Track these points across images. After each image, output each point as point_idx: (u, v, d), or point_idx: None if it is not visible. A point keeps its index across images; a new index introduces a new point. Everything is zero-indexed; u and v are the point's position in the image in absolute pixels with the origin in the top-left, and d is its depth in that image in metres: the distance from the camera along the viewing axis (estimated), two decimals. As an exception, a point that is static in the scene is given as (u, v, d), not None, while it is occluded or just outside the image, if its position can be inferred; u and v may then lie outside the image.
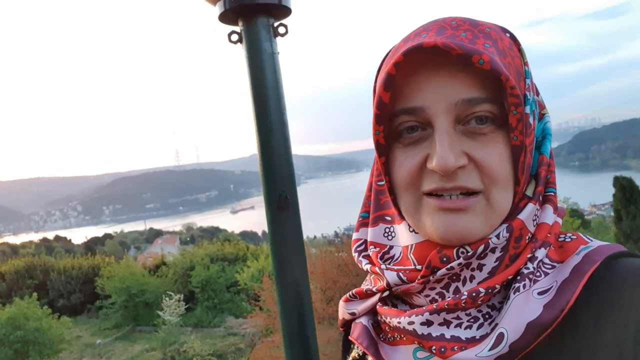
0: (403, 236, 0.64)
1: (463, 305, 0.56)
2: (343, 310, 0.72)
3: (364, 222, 0.71)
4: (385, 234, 0.67)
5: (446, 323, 0.58)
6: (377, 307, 0.65)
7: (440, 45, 0.52)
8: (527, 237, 0.58)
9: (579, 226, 33.26)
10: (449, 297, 0.59)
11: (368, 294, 0.67)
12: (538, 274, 0.57)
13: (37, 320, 14.41)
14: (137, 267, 25.21)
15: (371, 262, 0.67)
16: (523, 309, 0.54)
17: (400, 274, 0.61)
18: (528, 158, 0.58)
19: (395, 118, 0.58)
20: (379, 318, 0.65)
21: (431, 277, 0.58)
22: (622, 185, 20.24)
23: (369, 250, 0.69)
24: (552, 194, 0.62)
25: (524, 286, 0.56)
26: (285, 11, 1.18)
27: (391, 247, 0.66)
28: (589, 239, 0.61)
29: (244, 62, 1.16)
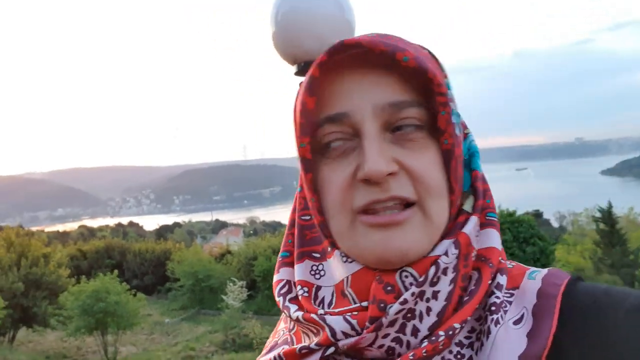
0: (336, 270, 0.56)
1: (441, 347, 0.49)
2: None
3: (284, 262, 0.63)
4: (313, 272, 0.59)
5: None
6: None
7: (363, 42, 0.50)
8: (473, 255, 0.54)
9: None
10: (407, 342, 0.51)
11: (303, 354, 0.53)
12: (504, 303, 0.53)
13: (117, 295, 15.76)
14: (204, 254, 26.78)
15: (301, 309, 0.56)
16: (509, 342, 0.50)
17: (348, 316, 0.52)
18: (460, 168, 0.55)
19: (320, 129, 0.54)
20: None
21: (384, 319, 0.50)
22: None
23: (295, 292, 0.59)
24: (495, 219, 0.57)
25: (502, 317, 0.51)
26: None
27: (319, 288, 0.58)
28: (522, 265, 0.59)
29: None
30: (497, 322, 0.50)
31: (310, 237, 0.61)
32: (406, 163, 0.52)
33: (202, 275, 22.74)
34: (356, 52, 0.52)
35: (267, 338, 0.68)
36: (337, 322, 0.52)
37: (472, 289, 0.52)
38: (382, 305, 0.51)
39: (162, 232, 61.67)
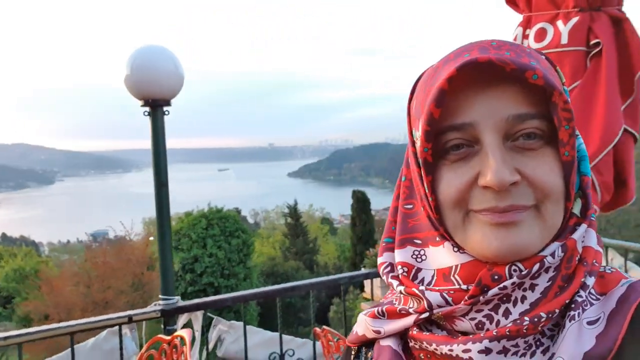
0: (443, 258, 0.60)
1: (525, 331, 0.53)
2: (365, 326, 0.66)
3: (388, 247, 0.67)
4: (414, 256, 0.63)
5: (504, 351, 0.54)
6: (413, 331, 0.60)
7: (495, 60, 0.51)
8: (576, 258, 0.57)
9: (327, 232, 38.56)
10: (497, 321, 0.55)
11: (402, 314, 0.61)
12: (586, 303, 0.56)
13: None
14: None
15: (402, 284, 0.62)
16: (578, 339, 0.53)
17: (445, 294, 0.57)
18: (574, 175, 0.56)
19: (442, 135, 0.56)
20: (411, 343, 0.61)
21: (481, 298, 0.55)
22: (358, 198, 24.92)
23: (397, 272, 0.64)
24: (594, 220, 0.60)
25: (578, 315, 0.54)
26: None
27: (419, 270, 0.62)
28: (627, 274, 0.60)
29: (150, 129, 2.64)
30: (572, 319, 0.54)
31: (413, 224, 0.64)
32: (527, 172, 0.54)
33: None
34: (482, 68, 0.53)
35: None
36: (434, 296, 0.58)
37: (565, 286, 0.56)
38: (484, 288, 0.55)
39: None
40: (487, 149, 0.54)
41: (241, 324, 3.31)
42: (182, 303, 2.99)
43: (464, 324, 0.57)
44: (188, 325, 3.05)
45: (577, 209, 0.60)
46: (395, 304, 0.64)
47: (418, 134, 0.58)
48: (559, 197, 0.56)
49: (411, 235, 0.65)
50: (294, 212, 29.55)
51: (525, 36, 2.41)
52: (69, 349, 2.80)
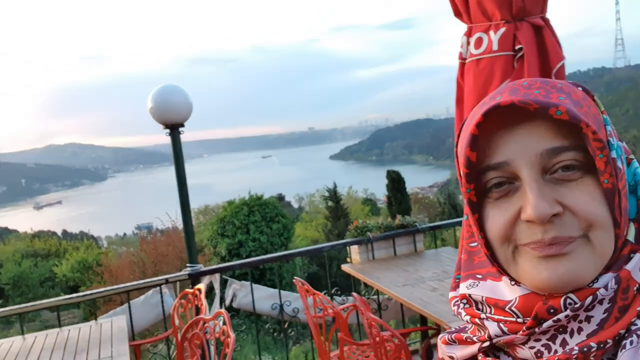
0: (503, 291, 0.62)
1: None
2: (443, 351, 0.70)
3: (458, 283, 0.70)
4: (468, 287, 0.66)
5: None
6: (480, 357, 0.63)
7: (517, 102, 0.54)
8: (634, 289, 0.56)
9: (368, 212, 39.32)
10: (555, 351, 0.56)
11: (467, 342, 0.64)
12: None
13: None
14: None
15: (469, 314, 0.65)
16: None
17: (501, 324, 0.60)
18: (623, 201, 0.57)
19: (482, 175, 0.58)
20: None
21: (537, 329, 0.56)
22: (392, 178, 25.56)
23: (462, 305, 0.68)
24: None
25: (631, 342, 0.54)
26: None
27: (470, 295, 0.66)
28: None
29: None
30: (624, 347, 0.54)
31: (478, 261, 0.67)
32: (568, 203, 0.55)
33: None
34: (510, 110, 0.55)
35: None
36: (493, 327, 0.60)
37: (621, 316, 0.55)
38: (541, 321, 0.56)
39: None
40: (525, 184, 0.56)
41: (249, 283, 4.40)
42: (203, 269, 4.07)
43: (524, 352, 0.59)
44: (210, 286, 4.14)
45: (631, 235, 0.59)
46: (465, 332, 0.67)
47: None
48: (606, 224, 0.56)
49: (474, 272, 0.67)
50: (333, 194, 30.03)
51: (467, 43, 2.91)
52: (127, 304, 3.97)
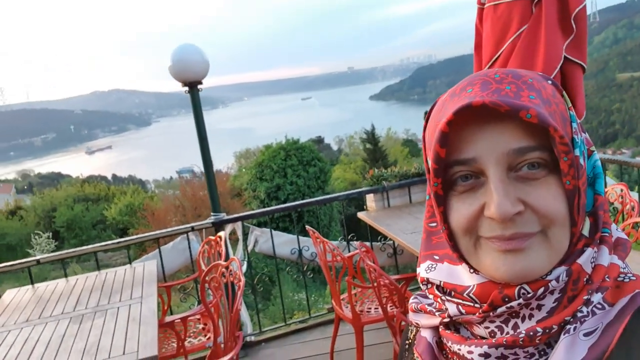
0: (460, 276, 0.66)
1: (520, 343, 0.58)
2: (410, 316, 0.74)
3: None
4: (427, 270, 0.69)
5: (503, 357, 0.59)
6: (440, 329, 0.68)
7: (488, 104, 0.54)
8: (584, 279, 0.59)
9: (407, 153, 39.08)
10: (507, 332, 0.60)
11: (432, 314, 0.68)
12: (587, 317, 0.58)
13: None
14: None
15: (431, 293, 0.69)
16: (569, 350, 0.55)
17: (460, 307, 0.64)
18: (582, 198, 0.59)
19: (450, 169, 0.60)
20: (442, 338, 0.68)
21: (491, 313, 0.60)
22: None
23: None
24: (607, 234, 0.62)
25: (574, 328, 0.57)
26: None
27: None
28: None
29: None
30: (566, 332, 0.57)
31: (436, 242, 0.70)
32: (531, 201, 0.57)
33: (-7, 236, 21.58)
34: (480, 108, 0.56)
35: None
36: (452, 308, 0.65)
37: (568, 305, 0.59)
38: (496, 307, 0.60)
39: None
40: (490, 182, 0.57)
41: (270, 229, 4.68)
42: (226, 217, 4.33)
43: (479, 330, 0.63)
44: (233, 233, 4.43)
45: (586, 230, 0.62)
46: (430, 304, 0.70)
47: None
48: (564, 222, 0.58)
49: (432, 252, 0.70)
50: (371, 136, 29.90)
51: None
52: (157, 250, 4.33)
